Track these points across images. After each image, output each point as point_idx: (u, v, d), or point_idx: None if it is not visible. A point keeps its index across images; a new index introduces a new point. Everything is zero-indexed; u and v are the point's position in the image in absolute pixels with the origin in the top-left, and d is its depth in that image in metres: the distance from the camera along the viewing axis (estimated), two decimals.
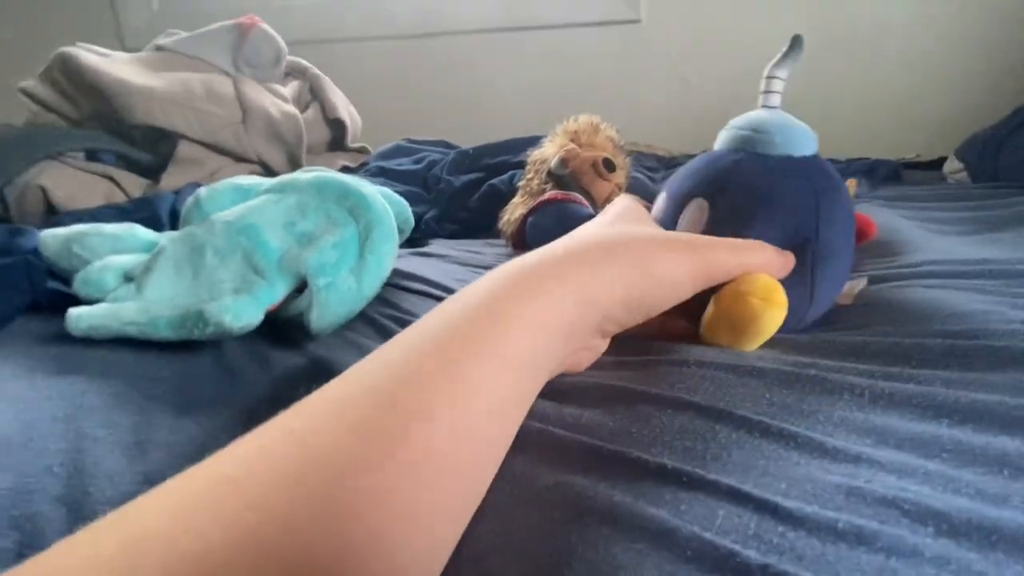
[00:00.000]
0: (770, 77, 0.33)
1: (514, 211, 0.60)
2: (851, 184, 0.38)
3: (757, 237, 0.29)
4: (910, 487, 0.17)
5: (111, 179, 0.63)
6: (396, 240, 0.37)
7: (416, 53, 1.32)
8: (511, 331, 0.20)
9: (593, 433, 0.22)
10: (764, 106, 0.33)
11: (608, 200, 0.60)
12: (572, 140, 0.61)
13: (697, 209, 0.31)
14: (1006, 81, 1.18)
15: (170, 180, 0.64)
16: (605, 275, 0.23)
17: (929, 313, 0.31)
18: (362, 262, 0.35)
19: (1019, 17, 1.16)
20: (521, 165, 0.76)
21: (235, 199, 0.38)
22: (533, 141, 0.93)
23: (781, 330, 0.29)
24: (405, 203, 0.48)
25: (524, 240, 0.58)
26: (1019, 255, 0.45)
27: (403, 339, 0.20)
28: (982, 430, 0.21)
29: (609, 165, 0.58)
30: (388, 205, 0.38)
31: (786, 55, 0.33)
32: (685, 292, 0.26)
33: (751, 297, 0.27)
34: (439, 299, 0.46)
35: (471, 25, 1.29)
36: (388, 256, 0.36)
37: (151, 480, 0.23)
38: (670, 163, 1.07)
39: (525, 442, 0.22)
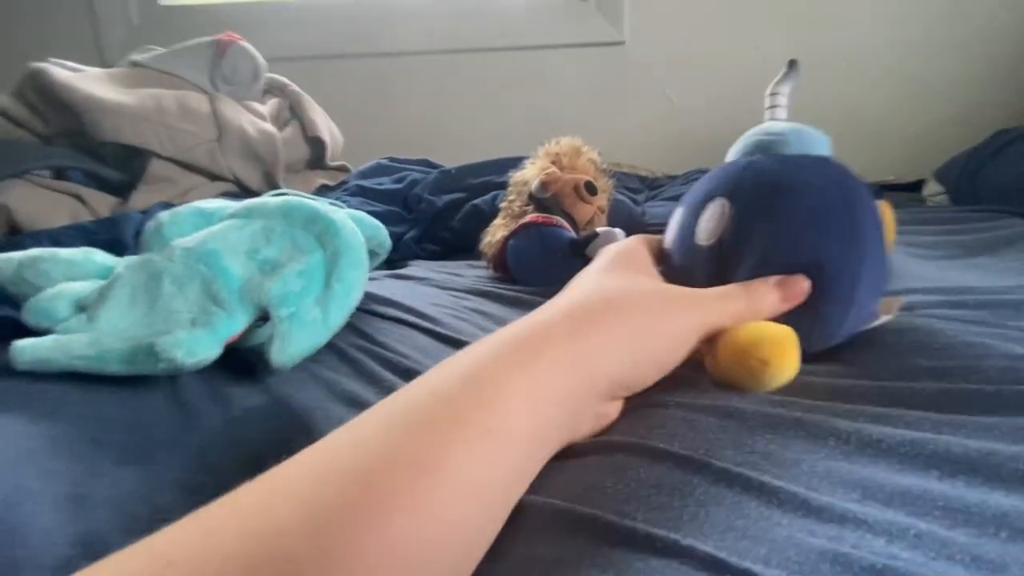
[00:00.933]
0: (773, 94, 0.33)
1: (495, 233, 0.59)
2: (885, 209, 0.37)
3: (785, 227, 0.27)
4: (900, 554, 0.16)
5: (78, 197, 0.61)
6: (366, 268, 0.35)
7: (399, 72, 1.31)
8: (501, 403, 0.18)
9: (566, 492, 0.21)
10: (771, 120, 0.33)
11: (591, 223, 0.60)
12: (554, 162, 0.60)
13: (718, 208, 0.30)
14: (982, 105, 1.20)
15: (140, 199, 0.62)
16: (608, 337, 0.22)
17: (917, 347, 0.30)
18: (329, 291, 0.33)
19: (995, 42, 1.19)
20: (504, 185, 0.75)
21: (198, 224, 0.36)
22: (516, 162, 0.92)
23: (820, 343, 0.28)
24: (380, 225, 0.46)
25: (505, 263, 0.57)
26: (1003, 283, 0.44)
27: (381, 411, 0.19)
28: (976, 484, 0.19)
29: (591, 188, 0.57)
30: (358, 231, 0.36)
31: (786, 76, 0.34)
32: (692, 347, 0.25)
33: (750, 359, 0.25)
34: (414, 326, 0.44)
35: (455, 44, 1.29)
36: (357, 285, 0.34)
37: (87, 542, 0.21)
38: (653, 184, 1.07)
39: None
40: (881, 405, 0.25)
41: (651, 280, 0.27)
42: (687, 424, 0.24)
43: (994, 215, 0.69)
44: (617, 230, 0.54)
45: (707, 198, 0.31)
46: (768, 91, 0.34)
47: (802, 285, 0.27)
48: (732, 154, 0.33)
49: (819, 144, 0.31)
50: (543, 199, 0.57)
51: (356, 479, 0.15)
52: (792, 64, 0.34)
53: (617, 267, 0.27)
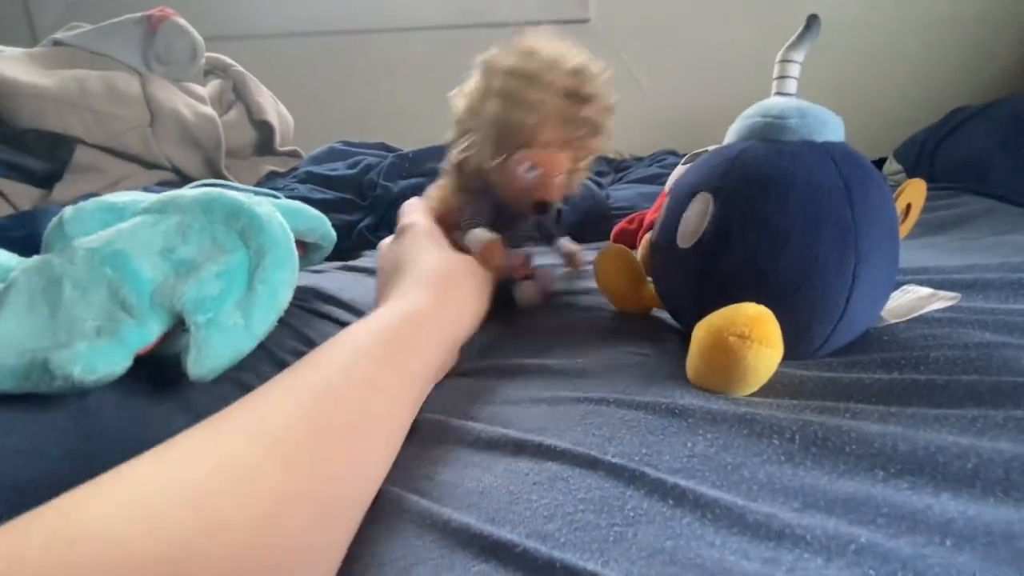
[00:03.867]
0: (784, 61, 0.29)
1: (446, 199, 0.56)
2: (913, 188, 0.34)
3: (772, 228, 0.25)
4: None
5: None
6: (295, 267, 0.33)
7: (354, 50, 1.26)
8: (420, 354, 0.27)
9: (489, 505, 0.19)
10: (778, 93, 0.29)
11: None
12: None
13: (701, 203, 0.27)
14: (943, 83, 1.21)
15: (65, 190, 0.58)
16: (453, 314, 0.31)
17: (869, 336, 0.29)
18: (251, 294, 0.30)
19: (957, 20, 1.20)
20: None
21: (107, 220, 0.33)
22: None
23: (802, 355, 0.25)
24: (321, 216, 0.43)
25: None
26: (958, 262, 0.44)
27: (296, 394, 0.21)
28: (922, 486, 0.18)
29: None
30: (287, 226, 0.34)
31: (801, 37, 0.29)
32: (480, 312, 0.34)
33: (727, 335, 0.23)
34: None
35: (413, 22, 1.25)
36: (283, 286, 0.32)
37: None
38: (620, 166, 1.06)
39: (408, 527, 0.19)
40: (830, 399, 0.24)
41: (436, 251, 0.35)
42: (626, 424, 0.23)
43: (949, 192, 0.70)
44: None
45: (692, 191, 0.28)
46: (778, 56, 0.29)
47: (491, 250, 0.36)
48: (730, 136, 0.30)
49: (827, 127, 0.27)
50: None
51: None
52: (810, 23, 0.29)
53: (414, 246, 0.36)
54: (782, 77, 0.29)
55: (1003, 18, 1.18)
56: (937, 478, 0.19)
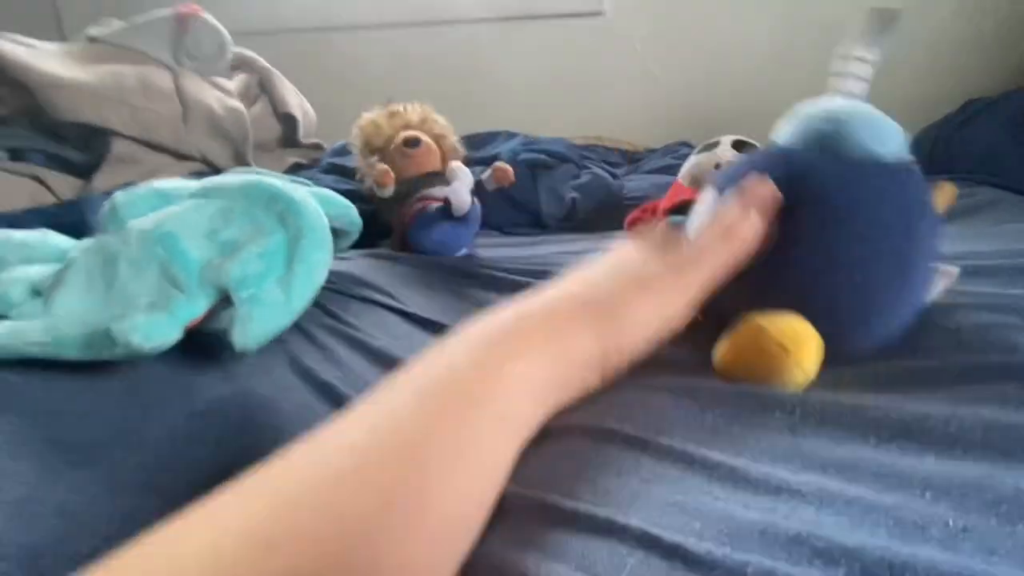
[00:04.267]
0: (848, 57, 0.26)
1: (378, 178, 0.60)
2: (945, 191, 0.32)
3: (827, 255, 0.25)
4: (826, 521, 0.17)
5: (38, 180, 0.59)
6: (330, 249, 0.35)
7: (373, 45, 1.28)
8: (510, 391, 0.20)
9: (515, 475, 0.21)
10: (840, 92, 0.27)
11: (446, 163, 0.58)
12: (372, 153, 0.60)
13: None
14: (958, 74, 1.20)
15: (104, 180, 0.61)
16: (575, 328, 0.23)
17: None
18: (290, 273, 0.33)
19: (971, 11, 1.19)
20: (483, 161, 0.74)
21: (155, 205, 0.36)
22: (494, 137, 0.91)
23: (836, 354, 0.25)
24: (349, 204, 0.46)
25: (411, 248, 0.57)
26: (960, 248, 0.45)
27: (405, 390, 0.20)
28: (909, 449, 0.20)
29: (410, 143, 0.57)
30: (321, 210, 0.36)
31: (877, 31, 0.26)
32: (682, 319, 0.26)
33: (772, 344, 0.23)
34: (385, 307, 0.44)
35: (429, 16, 1.26)
36: (320, 266, 0.34)
37: (32, 557, 0.20)
38: (634, 157, 1.07)
39: None
40: (829, 384, 0.26)
41: (619, 271, 0.27)
42: (642, 404, 0.24)
43: (963, 183, 0.70)
44: (456, 164, 0.56)
45: None
46: (840, 51, 0.26)
47: (761, 187, 0.26)
48: (787, 131, 0.28)
49: (888, 138, 0.26)
50: (398, 192, 0.57)
51: (412, 457, 0.17)
52: (888, 16, 0.26)
53: (591, 268, 0.27)
54: (842, 75, 0.27)
55: (1018, 9, 1.17)
56: (923, 442, 0.20)
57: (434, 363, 0.21)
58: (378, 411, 0.19)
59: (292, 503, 0.15)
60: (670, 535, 0.16)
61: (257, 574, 0.14)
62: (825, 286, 0.25)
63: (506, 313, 0.23)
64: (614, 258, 0.28)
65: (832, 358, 0.25)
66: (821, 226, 0.25)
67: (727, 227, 0.26)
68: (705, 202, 0.29)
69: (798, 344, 0.23)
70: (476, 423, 0.18)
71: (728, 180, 0.28)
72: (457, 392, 0.19)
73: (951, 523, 0.16)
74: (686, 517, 0.18)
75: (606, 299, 0.24)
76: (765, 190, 0.26)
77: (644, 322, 0.25)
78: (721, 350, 0.26)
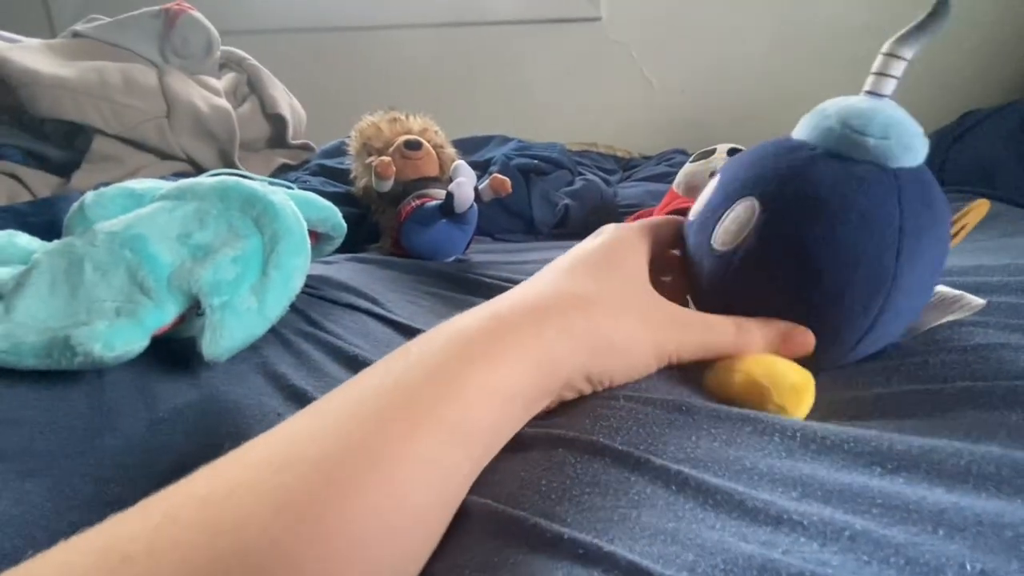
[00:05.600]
0: (890, 55, 0.25)
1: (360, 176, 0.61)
2: (975, 211, 0.31)
3: (814, 260, 0.23)
4: (832, 559, 0.15)
5: (15, 177, 0.57)
6: (307, 254, 0.34)
7: (365, 46, 1.27)
8: (463, 399, 0.18)
9: (501, 489, 0.20)
10: (868, 91, 0.26)
11: (443, 169, 0.60)
12: (369, 152, 0.60)
13: (746, 211, 0.25)
14: (956, 86, 1.20)
15: (83, 179, 0.59)
16: (562, 341, 0.21)
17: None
18: (265, 279, 0.31)
19: (969, 23, 1.19)
20: (478, 166, 0.73)
21: (126, 205, 0.34)
22: (487, 140, 0.90)
23: (813, 367, 0.25)
24: (332, 207, 0.44)
25: (402, 246, 0.57)
26: (965, 263, 0.44)
27: (338, 398, 0.18)
28: (916, 481, 0.19)
29: (411, 145, 0.58)
30: (300, 214, 0.34)
31: (922, 26, 0.25)
32: (649, 368, 0.24)
33: (768, 402, 0.23)
34: (366, 312, 0.43)
35: (424, 18, 1.25)
36: (297, 272, 0.33)
37: None
38: (629, 164, 1.06)
39: None
40: (830, 409, 0.24)
41: (623, 281, 0.24)
42: (633, 417, 0.23)
43: (958, 196, 0.70)
44: (460, 162, 0.57)
45: (742, 189, 0.26)
46: (885, 48, 0.25)
47: (805, 341, 0.24)
48: (803, 128, 0.26)
49: (910, 152, 0.24)
50: (390, 194, 0.57)
51: (317, 469, 0.15)
52: (938, 12, 0.24)
53: (584, 268, 0.25)
54: (881, 74, 0.25)
55: (1016, 22, 1.17)
56: (932, 474, 0.19)
57: (386, 368, 0.19)
58: (298, 423, 0.17)
59: (169, 518, 0.14)
60: (661, 568, 0.15)
61: None
62: (800, 290, 0.24)
63: (476, 314, 0.21)
64: (603, 249, 0.25)
65: (812, 370, 0.24)
66: (806, 225, 0.24)
67: (744, 329, 0.24)
68: (704, 193, 0.28)
69: (798, 403, 0.23)
70: (413, 434, 0.17)
71: (730, 168, 0.27)
72: (399, 400, 0.17)
73: (968, 566, 0.15)
74: (677, 547, 0.16)
75: (594, 306, 0.22)
76: (806, 342, 0.24)
77: (624, 349, 0.23)
78: (716, 389, 0.25)
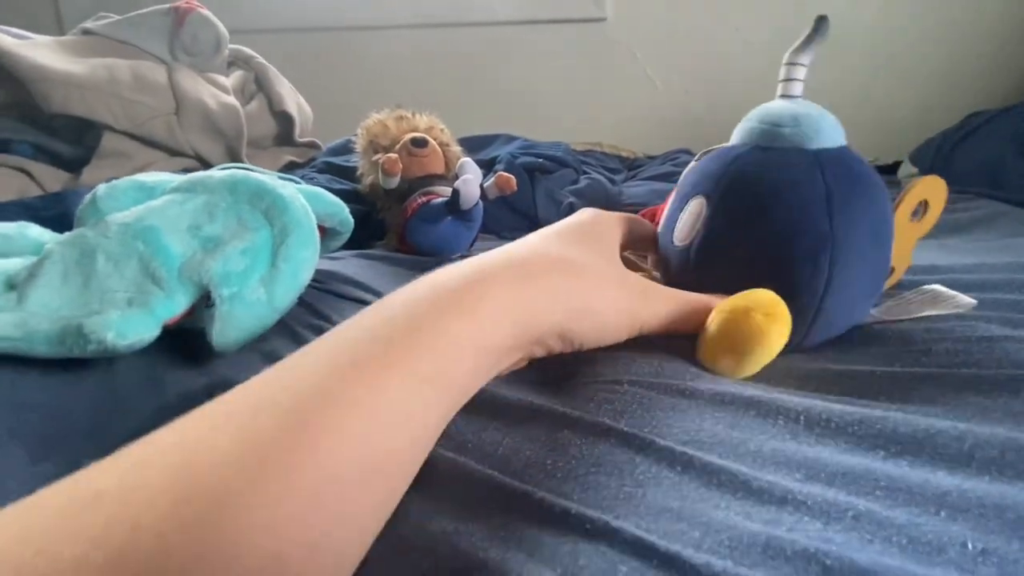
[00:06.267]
0: (790, 64, 0.29)
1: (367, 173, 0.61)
2: (924, 185, 0.35)
3: (758, 239, 0.27)
4: (835, 537, 0.16)
5: (26, 172, 0.58)
6: (316, 247, 0.34)
7: (372, 45, 1.28)
8: (439, 350, 0.18)
9: (507, 466, 0.20)
10: (783, 96, 0.30)
11: (449, 167, 0.60)
12: (375, 150, 0.60)
13: (696, 206, 0.29)
14: (961, 87, 1.20)
15: (93, 174, 0.59)
16: (546, 294, 0.22)
17: (874, 329, 0.30)
18: (274, 271, 0.32)
19: (975, 24, 1.19)
20: (482, 164, 0.73)
21: (138, 198, 0.34)
22: (492, 139, 0.90)
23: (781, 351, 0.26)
24: (340, 203, 0.44)
25: (409, 243, 0.57)
26: (967, 261, 0.44)
27: (314, 349, 0.18)
28: (920, 464, 0.19)
29: (418, 142, 0.58)
30: (309, 207, 0.35)
31: (809, 39, 0.29)
32: (619, 335, 0.25)
33: (754, 313, 0.25)
34: None
35: (429, 18, 1.26)
36: (305, 265, 0.33)
37: None
38: (633, 164, 1.06)
39: (432, 477, 0.20)
40: (834, 389, 0.25)
41: (596, 256, 0.26)
42: (638, 401, 0.23)
43: (964, 196, 0.70)
44: (466, 159, 0.57)
45: (692, 192, 0.30)
46: (785, 59, 0.29)
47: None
48: (735, 137, 0.31)
49: (821, 133, 0.28)
50: (397, 191, 0.57)
51: (292, 411, 0.15)
52: (819, 23, 0.29)
53: (569, 236, 0.26)
54: (788, 80, 0.29)
55: (1022, 23, 1.17)
56: (935, 457, 0.19)
57: (366, 318, 0.19)
58: (275, 372, 0.17)
59: (140, 463, 0.14)
60: (666, 543, 0.15)
61: (80, 525, 0.13)
62: (749, 266, 0.27)
63: (456, 268, 0.21)
64: (584, 226, 0.27)
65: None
66: (744, 209, 0.27)
67: (694, 300, 0.27)
68: (668, 202, 0.32)
69: (777, 307, 0.25)
70: (387, 383, 0.17)
71: (683, 185, 0.31)
72: (370, 353, 0.18)
73: (969, 545, 0.15)
74: (683, 525, 0.17)
75: (574, 271, 0.23)
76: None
77: (598, 314, 0.24)
78: (706, 342, 0.26)
